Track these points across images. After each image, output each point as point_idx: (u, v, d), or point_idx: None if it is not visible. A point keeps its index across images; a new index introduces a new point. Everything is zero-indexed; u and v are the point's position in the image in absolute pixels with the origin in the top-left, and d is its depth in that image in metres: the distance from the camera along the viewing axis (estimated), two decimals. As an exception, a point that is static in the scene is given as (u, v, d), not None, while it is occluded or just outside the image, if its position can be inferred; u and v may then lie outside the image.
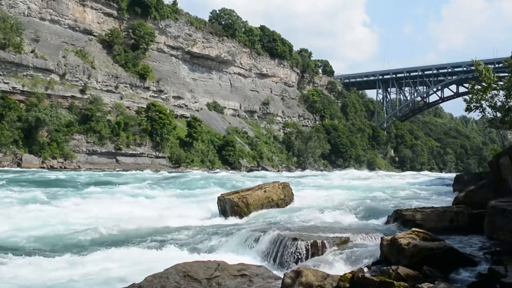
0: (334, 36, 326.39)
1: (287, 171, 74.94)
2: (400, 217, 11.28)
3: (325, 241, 9.17)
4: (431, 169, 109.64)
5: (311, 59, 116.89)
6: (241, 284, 6.92)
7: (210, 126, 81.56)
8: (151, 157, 66.74)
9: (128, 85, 70.39)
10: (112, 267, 9.15)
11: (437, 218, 10.53)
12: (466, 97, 27.54)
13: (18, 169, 46.37)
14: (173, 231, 12.47)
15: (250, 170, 71.14)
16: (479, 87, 24.73)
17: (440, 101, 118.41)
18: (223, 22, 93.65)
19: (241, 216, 14.90)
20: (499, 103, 24.13)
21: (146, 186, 26.51)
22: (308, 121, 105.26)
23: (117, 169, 55.29)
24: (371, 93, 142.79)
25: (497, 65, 68.38)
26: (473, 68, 39.98)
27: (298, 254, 9.02)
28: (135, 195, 21.47)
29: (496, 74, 25.44)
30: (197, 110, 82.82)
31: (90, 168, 54.22)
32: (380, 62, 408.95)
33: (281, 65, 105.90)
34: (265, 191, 16.20)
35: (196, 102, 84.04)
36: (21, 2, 61.64)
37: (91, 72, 64.94)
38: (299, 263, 8.64)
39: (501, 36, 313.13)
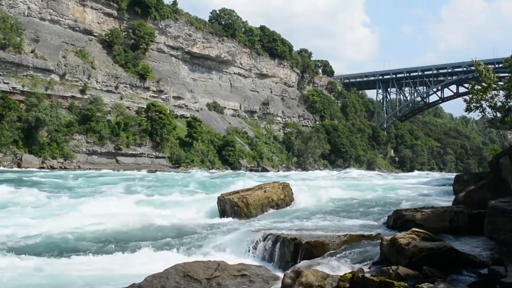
0: (334, 36, 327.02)
1: (287, 171, 74.91)
2: (400, 217, 11.26)
3: (325, 241, 9.16)
4: (431, 169, 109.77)
5: (311, 59, 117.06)
6: (241, 284, 6.92)
7: (210, 126, 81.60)
8: (151, 157, 66.79)
9: (128, 85, 70.44)
10: (112, 267, 9.14)
11: (437, 218, 10.51)
12: (466, 97, 27.58)
13: (18, 169, 46.38)
14: (173, 231, 12.46)
15: (250, 170, 71.16)
16: (479, 87, 24.79)
17: (440, 101, 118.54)
18: (223, 22, 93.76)
19: (241, 216, 14.88)
20: (499, 103, 24.18)
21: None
22: (308, 121, 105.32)
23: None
24: (371, 93, 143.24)
25: (497, 65, 68.43)
26: (473, 68, 40.07)
27: (298, 254, 9.01)
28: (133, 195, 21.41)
29: (496, 74, 25.50)
30: (197, 110, 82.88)
31: (90, 168, 54.24)
32: (380, 62, 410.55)
33: (281, 65, 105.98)
34: (265, 191, 16.19)
35: (196, 102, 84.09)
36: (21, 2, 61.69)
37: (91, 72, 64.99)
38: (299, 263, 8.63)
39: (501, 36, 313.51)
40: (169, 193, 21.91)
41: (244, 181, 27.37)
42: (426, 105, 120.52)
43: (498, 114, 24.59)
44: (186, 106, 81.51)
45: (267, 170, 72.38)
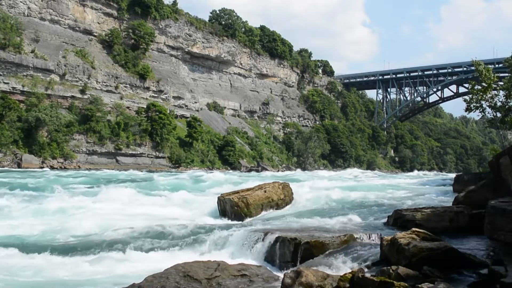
0: (334, 36, 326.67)
1: (287, 171, 74.84)
2: (400, 217, 11.27)
3: (325, 241, 9.16)
4: (431, 169, 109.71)
5: (311, 59, 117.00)
6: (241, 284, 6.92)
7: (210, 126, 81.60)
8: (151, 157, 66.79)
9: (128, 85, 70.44)
10: (111, 267, 9.14)
11: (437, 218, 10.52)
12: (466, 97, 27.59)
13: (18, 169, 46.38)
14: (172, 231, 12.45)
15: (250, 170, 71.13)
16: (479, 87, 24.80)
17: (440, 101, 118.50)
18: (223, 22, 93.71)
19: (241, 216, 14.91)
20: (499, 103, 24.20)
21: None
22: (308, 121, 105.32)
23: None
24: (371, 93, 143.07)
25: (497, 65, 68.40)
26: (473, 68, 40.09)
27: (298, 254, 9.01)
28: (134, 194, 21.38)
29: (496, 74, 25.50)
30: (197, 110, 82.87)
31: (90, 168, 54.26)
32: (380, 62, 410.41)
33: (281, 65, 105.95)
34: (265, 191, 16.20)
35: (196, 102, 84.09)
36: (21, 2, 61.68)
37: (91, 72, 64.99)
38: (299, 263, 8.63)
39: (501, 36, 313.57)
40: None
41: (221, 187, 24.51)
42: (426, 105, 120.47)
43: (498, 114, 24.61)
44: (186, 106, 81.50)
45: (267, 170, 72.34)
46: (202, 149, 74.34)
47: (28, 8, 62.71)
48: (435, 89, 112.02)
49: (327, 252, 8.81)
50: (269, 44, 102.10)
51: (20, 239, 11.56)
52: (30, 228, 12.83)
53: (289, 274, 6.41)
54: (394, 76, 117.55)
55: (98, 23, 72.29)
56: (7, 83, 54.73)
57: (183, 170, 61.72)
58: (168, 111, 72.06)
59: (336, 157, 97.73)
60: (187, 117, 77.08)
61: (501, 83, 33.29)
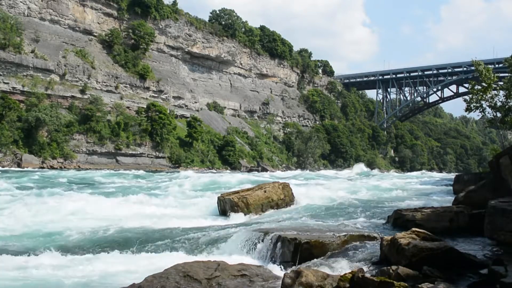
0: (334, 36, 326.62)
1: (288, 171, 74.74)
2: (400, 217, 11.27)
3: (325, 241, 9.16)
4: (431, 169, 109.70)
5: (311, 59, 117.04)
6: (241, 284, 6.91)
7: (210, 126, 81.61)
8: (151, 157, 66.80)
9: (128, 85, 70.46)
10: (111, 267, 9.14)
11: (437, 218, 10.52)
12: (466, 97, 27.62)
13: (18, 169, 46.37)
14: (172, 231, 12.45)
15: (250, 170, 71.09)
16: (479, 87, 24.81)
17: (440, 101, 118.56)
18: (223, 22, 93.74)
19: (241, 217, 14.90)
20: (499, 103, 24.23)
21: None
22: (308, 121, 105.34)
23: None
24: (371, 93, 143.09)
25: (497, 65, 68.41)
26: (473, 68, 40.09)
27: (298, 254, 9.00)
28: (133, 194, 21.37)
29: (496, 74, 25.51)
30: (197, 110, 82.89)
31: (90, 168, 54.26)
32: (380, 62, 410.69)
33: (281, 65, 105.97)
34: (265, 191, 16.20)
35: (196, 102, 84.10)
36: (21, 2, 61.70)
37: (91, 72, 65.00)
38: (299, 263, 8.62)
39: (501, 36, 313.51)
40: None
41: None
42: (426, 105, 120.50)
43: (498, 114, 24.64)
44: (186, 106, 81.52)
45: (266, 170, 72.31)
46: (202, 149, 74.34)
47: (28, 8, 62.73)
48: (435, 89, 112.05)
49: (327, 252, 8.81)
50: (269, 44, 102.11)
51: None
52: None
53: (289, 274, 6.40)
54: (394, 76, 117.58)
55: (98, 23, 72.31)
56: (7, 83, 54.76)
57: (183, 170, 61.67)
58: (168, 111, 72.10)
59: (336, 157, 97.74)
60: (187, 117, 77.09)
61: (501, 83, 33.31)
